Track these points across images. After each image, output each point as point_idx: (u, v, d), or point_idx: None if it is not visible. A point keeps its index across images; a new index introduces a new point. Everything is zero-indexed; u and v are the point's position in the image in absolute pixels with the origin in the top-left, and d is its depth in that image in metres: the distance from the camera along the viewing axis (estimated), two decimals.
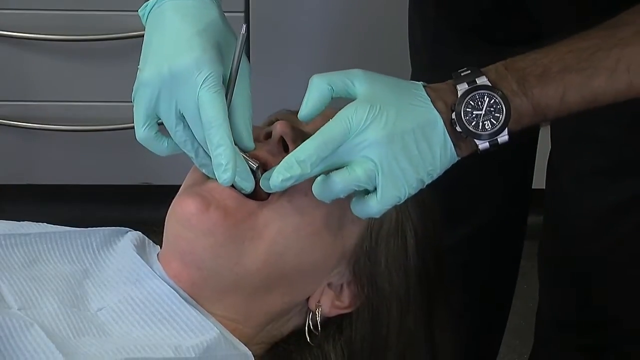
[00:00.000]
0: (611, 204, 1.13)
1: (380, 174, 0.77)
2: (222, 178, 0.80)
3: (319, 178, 0.79)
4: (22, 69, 2.01)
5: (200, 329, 0.82)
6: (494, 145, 0.80)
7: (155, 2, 0.85)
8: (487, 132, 0.79)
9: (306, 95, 0.80)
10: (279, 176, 0.78)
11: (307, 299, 0.89)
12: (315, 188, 0.79)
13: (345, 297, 0.90)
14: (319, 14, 2.03)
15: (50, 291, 0.85)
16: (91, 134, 2.06)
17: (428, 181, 0.80)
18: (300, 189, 0.84)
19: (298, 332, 0.91)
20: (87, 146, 2.09)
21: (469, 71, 0.81)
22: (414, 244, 0.91)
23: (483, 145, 0.80)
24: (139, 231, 0.96)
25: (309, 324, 0.89)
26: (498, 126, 0.79)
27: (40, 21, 1.95)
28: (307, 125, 0.91)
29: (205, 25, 0.83)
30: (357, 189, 0.79)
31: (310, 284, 0.89)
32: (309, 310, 0.90)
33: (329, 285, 0.90)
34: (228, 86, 0.83)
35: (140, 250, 0.91)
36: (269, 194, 0.84)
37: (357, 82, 0.80)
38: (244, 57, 0.84)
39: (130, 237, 0.93)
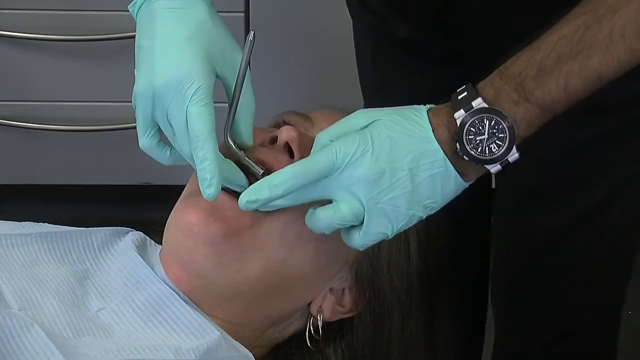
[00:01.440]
0: (556, 224, 1.09)
1: (366, 212, 0.76)
2: (207, 193, 0.79)
3: (310, 210, 0.79)
4: (22, 69, 2.01)
5: (201, 331, 0.82)
6: (506, 165, 0.78)
7: (144, 1, 0.84)
8: (495, 156, 0.76)
9: (313, 156, 0.78)
10: (245, 196, 0.77)
11: (309, 304, 0.89)
12: (306, 220, 0.79)
13: (347, 302, 0.90)
14: (319, 14, 2.03)
15: (51, 291, 0.84)
16: (91, 134, 2.05)
17: (426, 214, 0.78)
18: None
19: (299, 336, 0.90)
20: (87, 146, 2.09)
21: (465, 93, 0.78)
22: (417, 248, 0.91)
23: (495, 168, 0.78)
24: (140, 231, 0.96)
25: (310, 328, 0.89)
26: (504, 147, 0.76)
27: (40, 21, 1.95)
28: (313, 130, 0.91)
29: (194, 29, 0.82)
30: (342, 226, 0.78)
31: (312, 290, 0.88)
32: (310, 314, 0.89)
33: (331, 290, 0.89)
34: (234, 92, 0.83)
35: (141, 250, 0.91)
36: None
37: (357, 120, 0.79)
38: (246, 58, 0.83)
39: (131, 237, 0.93)
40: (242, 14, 1.97)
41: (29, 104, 2.05)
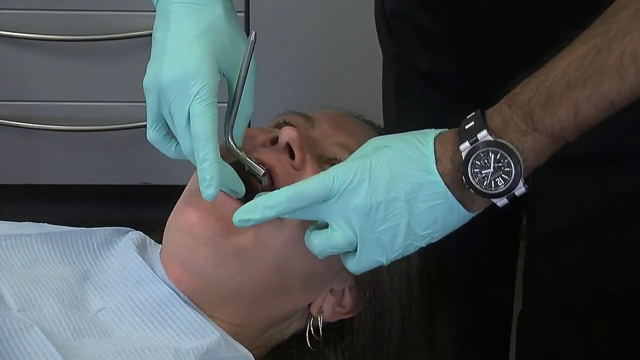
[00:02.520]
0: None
1: (359, 241, 0.76)
2: (206, 193, 0.79)
3: (306, 232, 0.79)
4: (22, 69, 2.01)
5: (201, 331, 0.82)
6: (512, 199, 0.76)
7: None
8: (500, 191, 0.74)
9: (309, 180, 0.77)
10: (238, 215, 0.78)
11: (309, 305, 0.89)
12: (305, 241, 0.79)
13: (347, 303, 0.90)
14: (319, 14, 2.03)
15: (51, 292, 0.84)
16: (91, 134, 2.05)
17: (425, 244, 0.77)
18: None
19: (299, 336, 0.90)
20: (87, 146, 2.08)
21: (473, 123, 0.75)
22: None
23: (501, 202, 0.76)
24: (139, 231, 0.96)
25: (310, 328, 0.89)
26: (510, 182, 0.74)
27: (40, 21, 1.95)
28: (314, 131, 0.91)
29: (207, 27, 0.82)
30: (335, 253, 0.77)
31: (312, 290, 0.88)
32: (310, 315, 0.89)
33: (331, 291, 0.89)
34: (235, 92, 0.83)
35: (141, 250, 0.91)
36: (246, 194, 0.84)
37: (367, 146, 0.78)
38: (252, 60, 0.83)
39: (131, 237, 0.93)
40: (242, 14, 1.97)
41: (29, 104, 2.05)
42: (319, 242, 0.77)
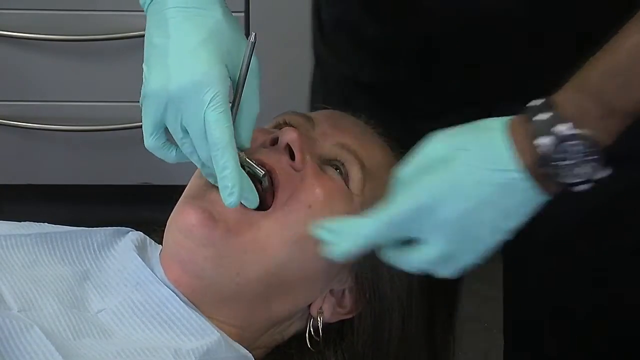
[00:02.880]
0: None
1: (450, 252, 0.75)
2: (228, 201, 0.79)
3: (393, 250, 0.77)
4: (22, 69, 2.01)
5: (201, 332, 0.82)
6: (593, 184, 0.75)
7: None
8: (582, 179, 0.74)
9: (398, 202, 0.76)
10: (337, 243, 0.76)
11: (309, 305, 0.89)
12: (391, 260, 0.77)
13: (347, 303, 0.90)
14: None
15: (51, 292, 0.84)
16: (91, 134, 2.05)
17: (506, 237, 0.76)
18: (303, 200, 0.84)
19: (299, 337, 0.90)
20: (87, 146, 2.09)
21: (543, 114, 0.74)
22: None
23: (582, 188, 0.75)
24: (140, 231, 0.96)
25: (310, 329, 0.89)
26: (595, 169, 0.73)
27: (40, 21, 1.95)
28: (314, 131, 0.91)
29: (209, 32, 0.81)
30: (428, 269, 0.77)
31: (312, 291, 0.88)
32: (310, 315, 0.89)
33: (331, 291, 0.89)
34: (235, 93, 0.83)
35: (141, 251, 0.91)
36: (271, 203, 0.84)
37: (436, 150, 0.76)
38: (254, 58, 0.83)
39: (131, 238, 0.93)
40: (242, 14, 1.97)
41: (29, 104, 2.05)
42: (417, 261, 0.76)
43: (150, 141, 0.83)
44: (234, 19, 0.84)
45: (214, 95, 0.78)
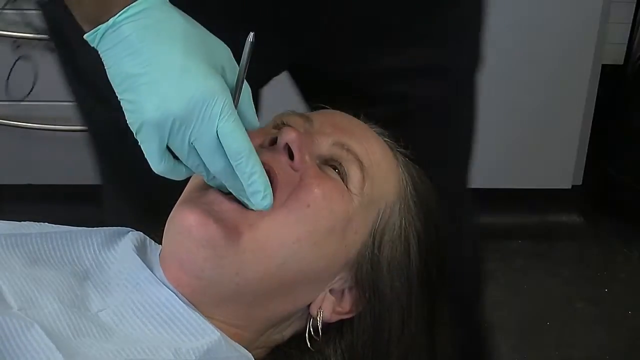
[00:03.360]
0: None
1: None
2: (262, 205, 0.80)
3: None
4: (22, 68, 2.01)
5: (201, 332, 0.82)
6: None
7: (110, 26, 0.80)
8: None
9: None
10: None
11: (309, 305, 0.89)
12: None
13: (347, 303, 0.90)
14: None
15: (51, 291, 0.84)
16: None
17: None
18: (302, 200, 0.84)
19: (299, 336, 0.90)
20: (87, 146, 2.08)
21: None
22: (417, 249, 0.91)
23: None
24: (140, 231, 0.96)
25: (309, 329, 0.89)
26: None
27: (40, 21, 1.94)
28: (313, 131, 0.91)
29: (184, 41, 0.79)
30: None
31: (312, 291, 0.88)
32: (310, 315, 0.89)
33: (331, 291, 0.89)
34: (235, 94, 0.82)
35: (141, 251, 0.91)
36: None
37: None
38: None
39: (131, 238, 0.93)
40: None
41: (29, 104, 2.05)
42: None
43: (161, 167, 0.81)
44: (186, 15, 0.82)
45: (222, 106, 0.78)
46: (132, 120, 0.79)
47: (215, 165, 0.80)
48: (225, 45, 0.83)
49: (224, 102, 0.78)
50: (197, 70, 0.78)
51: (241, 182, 0.80)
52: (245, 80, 0.83)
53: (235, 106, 0.82)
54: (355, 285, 0.89)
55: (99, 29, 0.80)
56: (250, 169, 0.79)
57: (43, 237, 0.91)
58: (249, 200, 0.82)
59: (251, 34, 0.81)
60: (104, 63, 0.81)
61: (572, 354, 1.97)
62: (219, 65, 0.81)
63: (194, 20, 0.83)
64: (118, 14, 0.79)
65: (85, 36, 0.81)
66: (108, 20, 0.79)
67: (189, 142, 0.79)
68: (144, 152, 0.80)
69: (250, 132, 0.89)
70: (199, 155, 0.80)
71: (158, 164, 0.81)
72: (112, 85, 0.80)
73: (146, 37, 0.79)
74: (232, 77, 0.82)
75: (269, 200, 0.80)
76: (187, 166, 0.82)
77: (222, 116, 0.78)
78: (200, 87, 0.78)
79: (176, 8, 0.82)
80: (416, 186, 0.93)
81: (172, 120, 0.78)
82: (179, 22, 0.81)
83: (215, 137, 0.78)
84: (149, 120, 0.78)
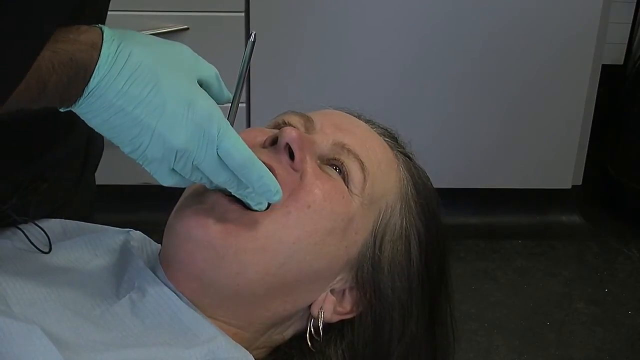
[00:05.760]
0: None
1: None
2: (276, 198, 0.81)
3: None
4: None
5: (202, 331, 0.82)
6: None
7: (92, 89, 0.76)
8: None
9: None
10: None
11: (310, 305, 0.89)
12: None
13: (348, 303, 0.90)
14: (319, 13, 2.03)
15: (52, 292, 0.84)
16: None
17: None
18: (302, 200, 0.84)
19: (300, 336, 0.90)
20: None
21: None
22: (418, 249, 0.91)
23: None
24: (139, 231, 0.96)
25: (310, 329, 0.89)
26: None
27: None
28: (314, 131, 0.91)
29: (168, 68, 0.77)
30: None
31: (312, 291, 0.88)
32: (310, 315, 0.89)
33: (332, 291, 0.89)
34: (235, 94, 0.82)
35: (141, 251, 0.91)
36: (269, 204, 0.84)
37: None
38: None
39: (132, 238, 0.93)
40: (242, 14, 1.97)
41: None
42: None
43: (170, 183, 0.81)
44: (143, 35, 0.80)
45: (219, 126, 0.77)
46: (135, 157, 0.80)
47: (220, 178, 0.80)
48: (200, 59, 0.81)
49: (219, 122, 0.78)
50: (191, 93, 0.77)
51: (245, 186, 0.80)
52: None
53: (237, 106, 0.82)
54: (356, 286, 0.89)
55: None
56: (257, 176, 0.79)
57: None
58: (253, 201, 0.82)
59: (253, 34, 0.81)
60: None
61: (572, 354, 1.97)
62: (200, 77, 0.80)
63: (151, 37, 0.81)
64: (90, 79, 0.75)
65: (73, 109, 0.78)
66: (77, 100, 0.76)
67: (192, 164, 0.79)
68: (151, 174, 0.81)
69: (251, 131, 0.90)
70: (199, 170, 0.80)
71: (166, 181, 0.81)
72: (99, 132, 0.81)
73: (139, 80, 0.76)
74: (212, 82, 0.81)
75: (279, 196, 0.81)
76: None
77: (220, 134, 0.78)
78: (193, 117, 0.77)
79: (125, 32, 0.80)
80: (416, 186, 0.93)
81: (174, 153, 0.78)
82: (142, 55, 0.77)
83: (217, 156, 0.78)
84: (153, 158, 0.78)
